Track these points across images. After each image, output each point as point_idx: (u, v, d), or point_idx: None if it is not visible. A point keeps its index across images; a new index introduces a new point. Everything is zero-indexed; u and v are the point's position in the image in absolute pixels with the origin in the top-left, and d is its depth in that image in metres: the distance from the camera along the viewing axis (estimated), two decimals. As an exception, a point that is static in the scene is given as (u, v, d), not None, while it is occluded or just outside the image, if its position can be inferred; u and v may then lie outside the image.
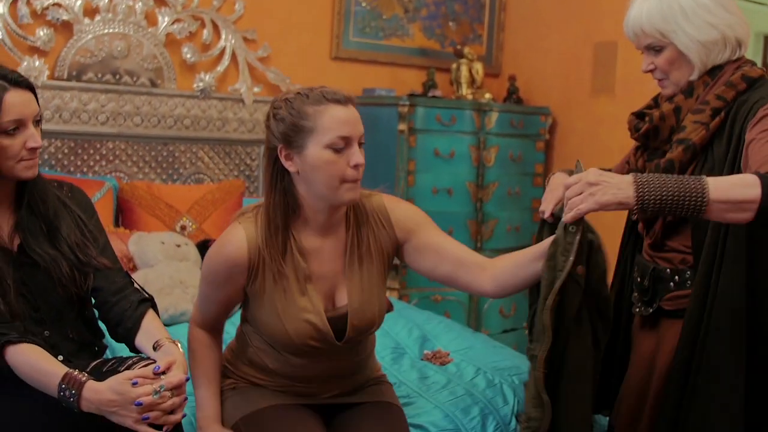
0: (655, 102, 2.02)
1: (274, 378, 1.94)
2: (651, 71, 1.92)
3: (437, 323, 2.95)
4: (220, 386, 1.97)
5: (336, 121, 1.76)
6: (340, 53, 4.31)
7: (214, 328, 2.00)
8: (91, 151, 3.66)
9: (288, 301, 1.84)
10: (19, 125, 1.82)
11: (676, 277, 1.90)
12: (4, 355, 1.74)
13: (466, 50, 4.42)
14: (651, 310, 1.93)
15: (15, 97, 1.80)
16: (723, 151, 1.82)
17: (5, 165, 1.83)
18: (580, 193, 1.63)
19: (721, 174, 1.77)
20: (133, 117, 3.73)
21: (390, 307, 3.02)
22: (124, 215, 3.47)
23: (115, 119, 3.68)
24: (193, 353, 1.97)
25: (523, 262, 1.83)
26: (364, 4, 4.36)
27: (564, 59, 4.45)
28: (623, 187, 1.61)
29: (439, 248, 1.91)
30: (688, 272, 1.89)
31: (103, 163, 3.70)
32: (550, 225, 1.85)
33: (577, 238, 1.69)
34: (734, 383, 1.77)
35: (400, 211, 1.95)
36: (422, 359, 2.62)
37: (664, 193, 1.59)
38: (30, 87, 1.86)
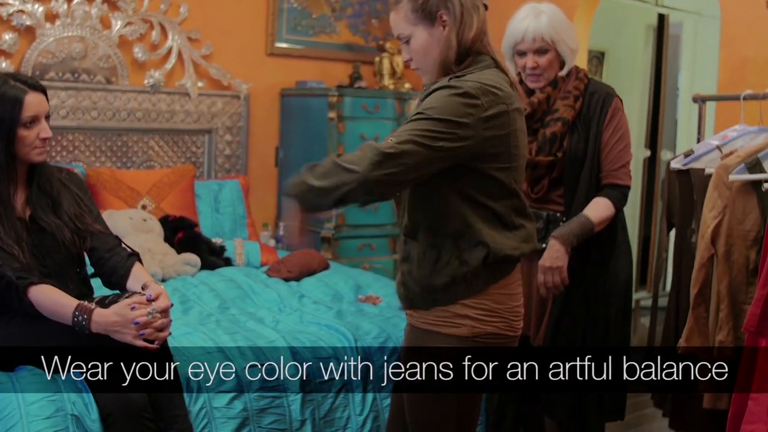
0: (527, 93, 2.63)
1: None
2: (534, 68, 2.55)
3: (368, 276, 3.52)
4: None
5: None
6: (275, 50, 4.75)
7: None
8: (53, 143, 4.06)
9: None
10: (34, 120, 2.29)
11: (564, 218, 2.58)
12: (27, 294, 2.19)
13: (388, 45, 4.91)
14: (544, 245, 2.52)
15: (33, 98, 2.28)
16: (584, 125, 2.56)
17: (22, 151, 2.30)
18: (550, 277, 2.46)
19: (585, 139, 2.55)
20: (90, 111, 4.14)
21: (327, 266, 3.57)
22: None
23: (74, 113, 4.09)
24: None
25: None
26: (295, 5, 4.82)
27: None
28: (561, 253, 2.44)
29: None
30: (565, 215, 2.59)
31: (64, 153, 4.10)
32: None
33: None
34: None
35: None
36: (358, 301, 3.17)
37: (578, 236, 2.46)
38: (43, 90, 2.34)
